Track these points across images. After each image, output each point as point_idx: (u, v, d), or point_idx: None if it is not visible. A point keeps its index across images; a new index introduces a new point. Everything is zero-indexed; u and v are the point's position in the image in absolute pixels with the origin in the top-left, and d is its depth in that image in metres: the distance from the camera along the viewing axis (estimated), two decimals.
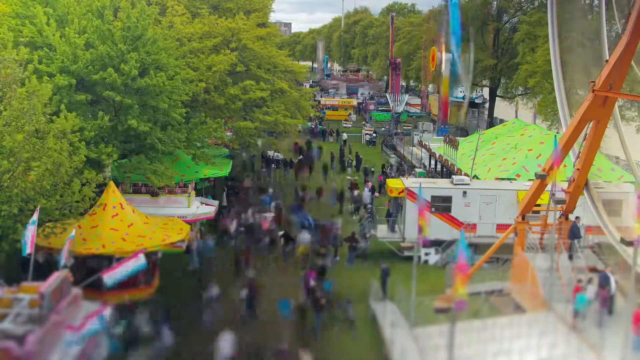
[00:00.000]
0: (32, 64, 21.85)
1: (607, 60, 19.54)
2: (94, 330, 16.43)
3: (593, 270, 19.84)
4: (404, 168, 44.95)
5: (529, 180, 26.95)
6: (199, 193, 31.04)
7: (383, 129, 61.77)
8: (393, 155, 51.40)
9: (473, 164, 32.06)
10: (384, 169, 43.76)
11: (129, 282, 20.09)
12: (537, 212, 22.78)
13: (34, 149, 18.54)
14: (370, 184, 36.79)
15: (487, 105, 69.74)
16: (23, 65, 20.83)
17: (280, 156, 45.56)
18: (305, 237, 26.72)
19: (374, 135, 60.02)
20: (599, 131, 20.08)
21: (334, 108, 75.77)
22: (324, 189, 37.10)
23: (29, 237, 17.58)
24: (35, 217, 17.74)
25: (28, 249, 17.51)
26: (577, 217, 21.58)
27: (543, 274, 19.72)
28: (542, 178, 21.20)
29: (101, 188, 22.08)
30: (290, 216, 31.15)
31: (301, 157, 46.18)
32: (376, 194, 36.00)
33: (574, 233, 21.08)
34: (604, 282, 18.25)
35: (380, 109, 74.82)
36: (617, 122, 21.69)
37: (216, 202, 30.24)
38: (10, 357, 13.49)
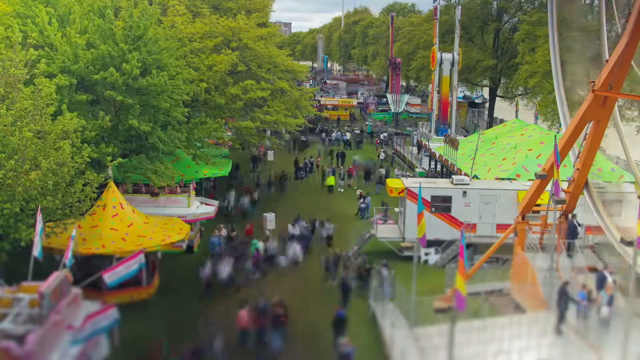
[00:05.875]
0: (39, 64, 21.96)
1: (607, 60, 19.54)
2: (100, 330, 16.48)
3: (593, 270, 19.84)
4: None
5: (529, 180, 26.95)
6: (199, 192, 31.09)
7: (382, 134, 61.90)
8: (383, 152, 51.39)
9: (473, 164, 32.06)
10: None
11: (129, 282, 20.17)
12: (537, 212, 22.78)
13: (36, 148, 18.59)
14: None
15: (487, 105, 69.74)
16: (29, 65, 20.89)
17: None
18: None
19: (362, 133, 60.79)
20: (599, 131, 20.07)
21: (334, 108, 75.95)
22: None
23: (37, 238, 17.67)
24: (40, 223, 17.75)
25: (36, 251, 17.62)
26: (573, 215, 21.52)
27: (543, 274, 19.72)
28: (542, 178, 21.20)
29: (101, 188, 22.10)
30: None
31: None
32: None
33: (572, 232, 21.06)
34: (601, 282, 18.22)
35: (380, 109, 74.97)
36: (617, 122, 21.68)
37: (216, 202, 30.26)
38: (10, 357, 13.48)
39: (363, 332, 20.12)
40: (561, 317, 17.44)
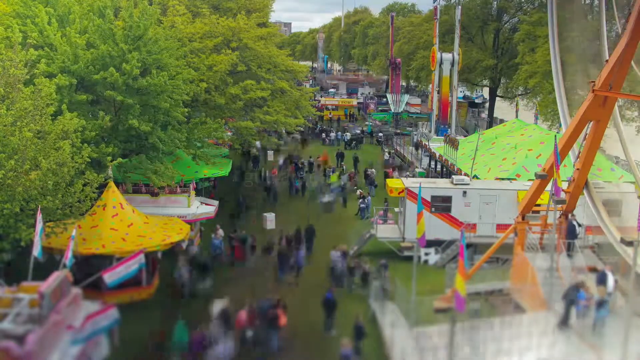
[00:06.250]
0: (39, 64, 21.96)
1: (607, 60, 19.53)
2: (100, 330, 16.48)
3: (593, 270, 19.84)
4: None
5: (529, 180, 26.95)
6: (199, 193, 31.07)
7: (380, 134, 61.98)
8: (387, 153, 51.44)
9: (473, 164, 32.06)
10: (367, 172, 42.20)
11: (129, 282, 20.17)
12: (537, 212, 22.79)
13: (36, 148, 18.60)
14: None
15: (487, 105, 69.76)
16: (29, 65, 20.89)
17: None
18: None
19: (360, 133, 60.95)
20: (599, 131, 20.06)
21: (334, 108, 76.06)
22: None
23: (37, 238, 17.67)
24: (40, 223, 17.74)
25: (36, 251, 17.62)
26: (572, 215, 21.53)
27: (543, 274, 19.72)
28: (542, 178, 21.20)
29: (101, 188, 22.09)
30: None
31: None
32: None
33: (571, 232, 21.08)
34: (602, 281, 18.21)
35: (380, 109, 75.07)
36: (617, 122, 21.68)
37: (216, 202, 30.24)
38: (10, 357, 13.48)
39: None
40: (566, 317, 17.44)
